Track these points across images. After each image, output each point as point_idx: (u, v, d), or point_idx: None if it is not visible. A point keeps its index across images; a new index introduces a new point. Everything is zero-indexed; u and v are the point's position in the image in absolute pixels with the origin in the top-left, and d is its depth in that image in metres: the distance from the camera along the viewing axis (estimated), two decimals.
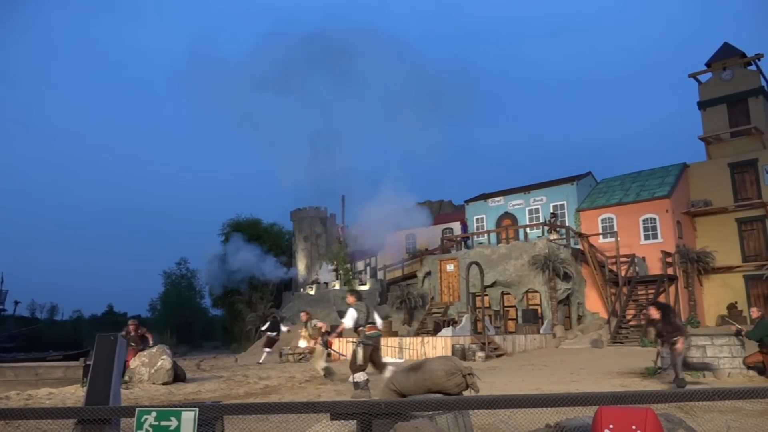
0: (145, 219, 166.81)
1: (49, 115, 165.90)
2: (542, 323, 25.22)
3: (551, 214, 30.57)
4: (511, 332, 24.29)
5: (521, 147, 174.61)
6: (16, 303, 56.46)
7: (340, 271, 39.05)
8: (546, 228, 29.72)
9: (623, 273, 26.33)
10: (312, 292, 41.20)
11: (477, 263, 23.89)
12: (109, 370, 3.71)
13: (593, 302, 27.58)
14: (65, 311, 75.28)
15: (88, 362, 13.52)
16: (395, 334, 24.15)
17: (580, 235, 28.50)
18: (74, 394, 12.03)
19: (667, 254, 26.43)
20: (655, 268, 26.61)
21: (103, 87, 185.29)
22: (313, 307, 38.43)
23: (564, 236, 28.93)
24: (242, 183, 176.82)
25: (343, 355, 19.13)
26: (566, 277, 26.28)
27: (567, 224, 30.13)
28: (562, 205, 31.36)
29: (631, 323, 24.30)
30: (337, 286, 39.39)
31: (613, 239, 27.81)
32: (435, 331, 23.22)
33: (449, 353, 19.43)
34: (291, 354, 22.58)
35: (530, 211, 32.35)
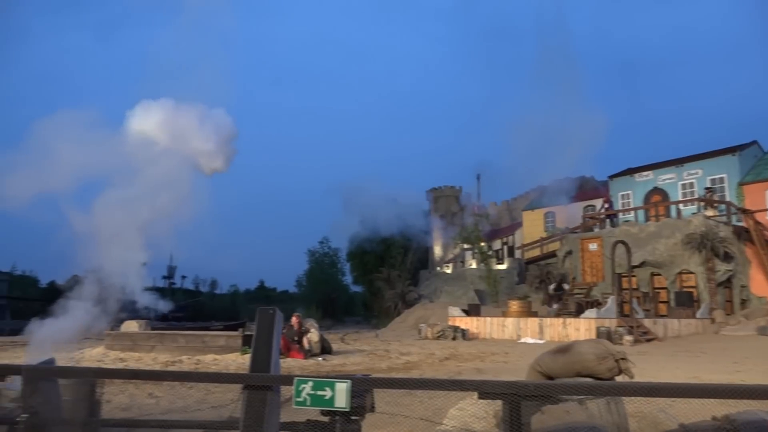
0: (290, 200, 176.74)
1: None
2: (698, 307, 23.30)
3: (706, 188, 27.94)
4: (662, 316, 22.74)
5: (671, 117, 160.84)
6: (183, 277, 62.93)
7: (476, 250, 38.79)
8: (702, 204, 27.25)
9: None
10: (448, 271, 41.43)
11: (623, 242, 22.54)
12: (269, 341, 3.98)
13: (760, 285, 24.91)
14: (223, 285, 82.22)
15: (246, 333, 14.72)
16: (535, 314, 23.61)
17: (744, 211, 25.83)
18: (235, 361, 13.21)
19: None
20: None
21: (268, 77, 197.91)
22: (450, 285, 38.69)
23: (724, 213, 26.38)
24: (376, 167, 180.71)
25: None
26: (727, 258, 23.99)
27: (728, 199, 27.41)
28: (721, 179, 28.54)
29: None
30: (474, 265, 39.22)
31: None
32: (577, 313, 22.35)
33: (593, 335, 18.64)
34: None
35: (684, 186, 29.82)
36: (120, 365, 12.56)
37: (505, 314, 23.71)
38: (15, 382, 4.48)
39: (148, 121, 11.54)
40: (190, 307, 46.02)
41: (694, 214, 26.48)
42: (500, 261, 39.38)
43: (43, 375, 3.93)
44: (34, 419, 3.73)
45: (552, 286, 27.45)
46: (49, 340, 8.64)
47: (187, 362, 13.16)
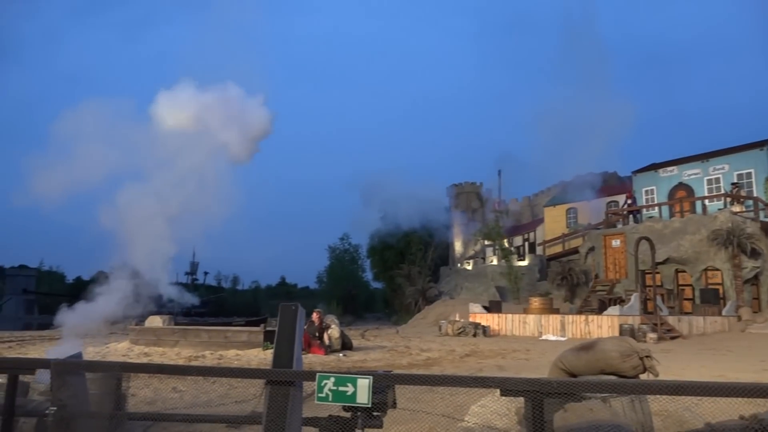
0: (311, 197, 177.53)
1: None
2: (724, 304, 22.90)
3: (733, 184, 27.39)
4: (687, 313, 22.40)
5: (697, 112, 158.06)
6: (206, 273, 63.69)
7: (497, 247, 38.54)
8: (728, 200, 26.74)
9: None
10: (469, 267, 41.24)
11: (647, 238, 22.24)
12: (291, 337, 4.00)
13: None
14: (245, 281, 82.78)
15: (267, 328, 14.84)
16: (556, 311, 23.42)
17: None
18: (257, 357, 13.32)
19: None
20: None
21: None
22: (471, 282, 38.54)
23: (751, 208, 25.85)
24: (397, 163, 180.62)
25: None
26: (754, 254, 23.52)
27: (755, 195, 26.87)
28: (748, 174, 27.97)
29: None
30: (495, 262, 39.00)
31: None
32: (600, 310, 22.13)
33: (616, 333, 18.45)
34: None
35: (709, 181, 29.29)
36: (144, 360, 12.75)
37: (526, 311, 23.57)
38: (44, 376, 4.57)
39: (173, 108, 11.34)
40: (212, 303, 46.54)
41: (720, 210, 26.01)
42: (521, 257, 39.09)
43: (71, 369, 4.00)
44: (62, 412, 3.81)
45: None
46: (79, 327, 8.77)
47: (209, 357, 13.31)
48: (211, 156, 11.37)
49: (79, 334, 9.03)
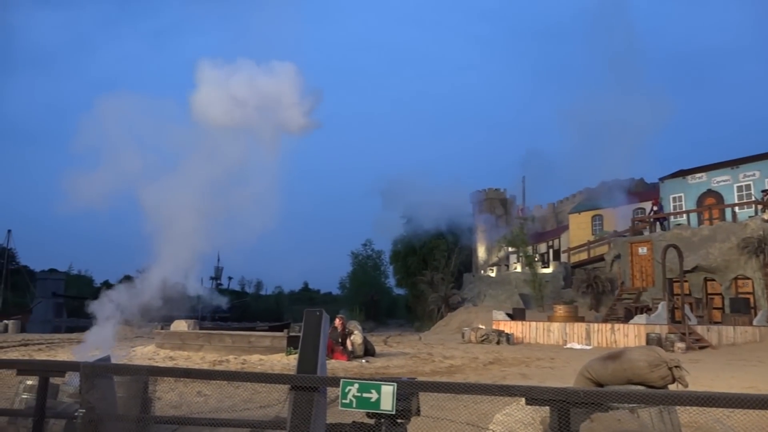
0: (334, 202, 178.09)
1: None
2: (755, 314, 22.37)
3: (764, 191, 26.77)
4: (716, 322, 21.93)
5: (726, 117, 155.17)
6: (230, 278, 64.36)
7: (521, 254, 38.20)
8: (759, 207, 26.14)
9: None
10: (493, 274, 40.94)
11: (675, 246, 21.87)
12: (316, 343, 4.03)
13: None
14: (268, 287, 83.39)
15: (291, 334, 14.91)
16: (581, 319, 23.11)
17: None
18: (280, 362, 13.38)
19: None
20: None
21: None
22: (495, 289, 38.24)
23: None
24: (421, 169, 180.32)
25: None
26: None
27: None
28: None
29: None
30: (518, 269, 38.67)
31: None
32: (626, 318, 21.79)
33: (643, 342, 18.15)
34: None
35: (739, 188, 28.64)
36: (170, 363, 12.88)
37: (550, 319, 23.31)
38: (73, 379, 4.65)
39: (207, 90, 11.00)
40: (235, 308, 46.95)
41: (750, 217, 25.45)
42: (546, 265, 38.68)
43: (99, 372, 4.07)
44: (91, 414, 3.87)
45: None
46: (113, 313, 8.87)
47: (233, 362, 13.41)
48: (244, 150, 11.23)
49: (111, 326, 9.14)
